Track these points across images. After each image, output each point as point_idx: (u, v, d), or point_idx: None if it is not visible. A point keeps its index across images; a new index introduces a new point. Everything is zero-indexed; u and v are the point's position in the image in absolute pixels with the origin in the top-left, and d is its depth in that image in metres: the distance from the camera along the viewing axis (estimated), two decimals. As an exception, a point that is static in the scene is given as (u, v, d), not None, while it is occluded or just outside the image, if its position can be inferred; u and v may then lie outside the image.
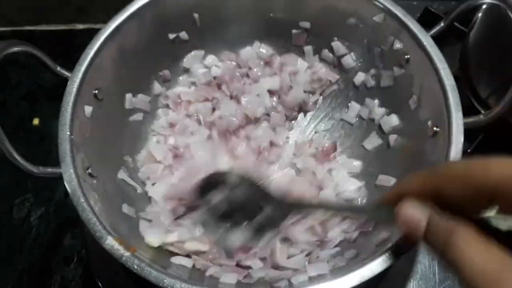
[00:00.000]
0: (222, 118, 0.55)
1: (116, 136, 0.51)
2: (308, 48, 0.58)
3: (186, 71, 0.59)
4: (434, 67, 0.44)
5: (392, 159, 0.51)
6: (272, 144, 0.55)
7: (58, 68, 0.46)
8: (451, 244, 0.24)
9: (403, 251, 0.35)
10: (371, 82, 0.55)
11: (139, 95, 0.54)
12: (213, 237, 0.42)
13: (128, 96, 0.53)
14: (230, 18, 0.56)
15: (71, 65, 0.45)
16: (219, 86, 0.58)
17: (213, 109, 0.57)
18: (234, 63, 0.59)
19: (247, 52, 0.59)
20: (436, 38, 0.47)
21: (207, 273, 0.43)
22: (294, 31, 0.57)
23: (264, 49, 0.58)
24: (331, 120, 0.59)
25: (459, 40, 0.57)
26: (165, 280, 0.35)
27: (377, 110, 0.54)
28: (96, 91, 0.47)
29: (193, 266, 0.44)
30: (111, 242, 0.37)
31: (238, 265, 0.45)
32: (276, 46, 0.59)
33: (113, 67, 0.50)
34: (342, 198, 0.52)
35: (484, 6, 0.52)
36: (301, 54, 0.59)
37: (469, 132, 0.41)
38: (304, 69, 0.58)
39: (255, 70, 0.58)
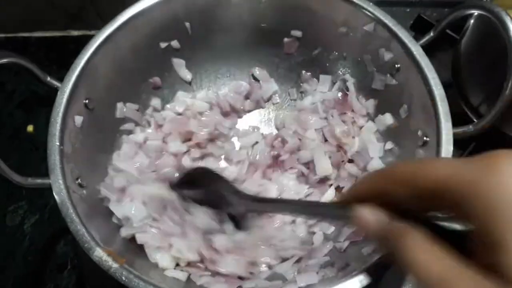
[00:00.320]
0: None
1: (107, 145, 0.51)
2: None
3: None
4: (423, 76, 0.45)
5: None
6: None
7: (48, 79, 0.46)
8: (398, 248, 0.24)
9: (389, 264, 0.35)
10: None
11: (128, 104, 0.54)
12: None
13: (119, 105, 0.53)
14: (222, 27, 0.56)
15: (66, 72, 0.46)
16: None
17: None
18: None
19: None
20: (428, 45, 0.47)
21: (198, 283, 0.43)
22: (285, 39, 0.57)
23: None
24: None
25: (451, 47, 0.57)
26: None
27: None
28: (87, 101, 0.47)
29: (188, 278, 0.44)
30: (99, 254, 0.38)
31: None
32: (267, 53, 0.59)
33: (104, 76, 0.50)
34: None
35: (475, 14, 0.52)
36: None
37: (461, 140, 0.41)
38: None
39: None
